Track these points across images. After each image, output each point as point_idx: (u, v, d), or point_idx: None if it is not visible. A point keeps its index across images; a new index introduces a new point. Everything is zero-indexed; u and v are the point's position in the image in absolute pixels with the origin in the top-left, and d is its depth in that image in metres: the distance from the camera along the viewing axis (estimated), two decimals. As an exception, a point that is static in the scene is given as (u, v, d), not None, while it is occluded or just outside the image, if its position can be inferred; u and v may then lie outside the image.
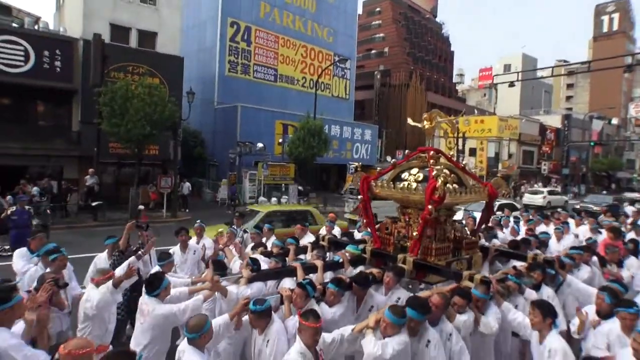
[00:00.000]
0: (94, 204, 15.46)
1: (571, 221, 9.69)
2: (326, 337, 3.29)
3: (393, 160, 5.27)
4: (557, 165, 47.31)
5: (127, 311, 5.14)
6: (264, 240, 6.74)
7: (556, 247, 7.42)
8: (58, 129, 17.97)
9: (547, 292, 4.59)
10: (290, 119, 26.88)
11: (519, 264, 5.16)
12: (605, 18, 71.76)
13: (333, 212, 14.20)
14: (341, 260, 5.10)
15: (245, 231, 7.46)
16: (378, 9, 53.51)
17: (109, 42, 17.75)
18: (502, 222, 8.91)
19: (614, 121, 61.17)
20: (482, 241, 6.22)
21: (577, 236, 8.36)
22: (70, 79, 17.46)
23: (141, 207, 15.94)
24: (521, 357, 4.59)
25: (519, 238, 6.92)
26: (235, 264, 5.29)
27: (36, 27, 18.56)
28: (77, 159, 17.84)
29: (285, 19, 31.18)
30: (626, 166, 56.49)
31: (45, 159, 17.23)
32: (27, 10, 25.14)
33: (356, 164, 5.66)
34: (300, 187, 22.87)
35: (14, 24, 18.19)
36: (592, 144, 46.85)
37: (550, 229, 8.58)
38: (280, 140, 25.54)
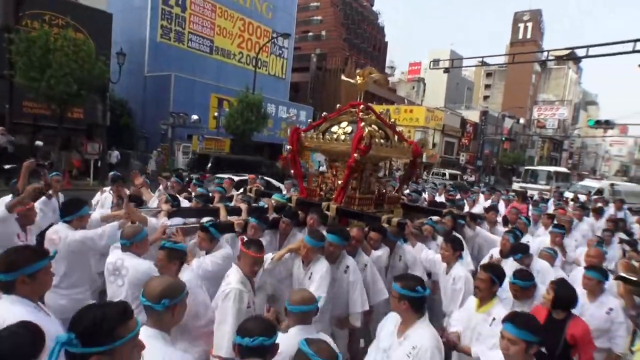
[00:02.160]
0: (6, 166, 13.77)
1: (482, 196, 11.27)
2: None
3: (324, 113, 5.41)
4: (472, 157, 51.20)
5: None
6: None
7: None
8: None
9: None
10: (226, 94, 25.97)
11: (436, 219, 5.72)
12: (522, 26, 78.27)
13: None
14: (266, 206, 5.20)
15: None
16: (317, -9, 53.38)
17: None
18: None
19: (522, 121, 67.73)
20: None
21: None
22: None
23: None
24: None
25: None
26: (153, 204, 5.40)
27: None
28: (-18, 116, 15.66)
29: (223, -12, 29.82)
30: (527, 162, 63.06)
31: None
32: None
33: (290, 146, 5.46)
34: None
35: None
36: (503, 138, 51.36)
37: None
38: (216, 114, 24.62)
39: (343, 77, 5.92)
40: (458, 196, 10.08)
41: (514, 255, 4.23)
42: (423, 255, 4.44)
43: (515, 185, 25.99)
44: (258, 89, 23.49)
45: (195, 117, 22.45)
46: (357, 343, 4.09)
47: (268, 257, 3.57)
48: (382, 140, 4.93)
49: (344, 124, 5.19)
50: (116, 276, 3.11)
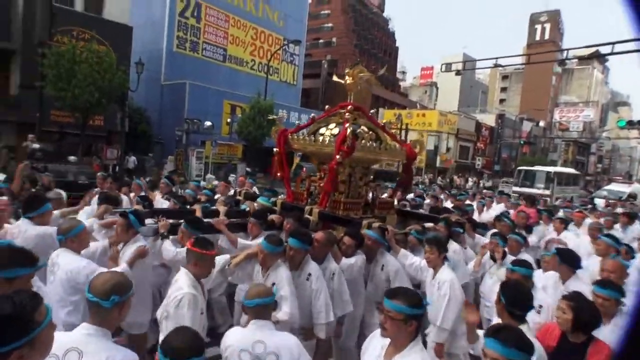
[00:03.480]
0: (45, 172, 14.83)
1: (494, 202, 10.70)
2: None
3: (312, 114, 5.61)
4: (489, 161, 50.62)
5: None
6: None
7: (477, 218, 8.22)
8: (-7, 91, 16.88)
9: (453, 247, 4.64)
10: (238, 100, 26.94)
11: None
12: (539, 27, 76.72)
13: (278, 196, 14.84)
14: (248, 209, 5.07)
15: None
16: (328, -1, 54.32)
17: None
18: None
19: (542, 124, 66.70)
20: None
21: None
22: (8, 38, 16.42)
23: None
24: None
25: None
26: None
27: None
28: (15, 124, 16.89)
29: (236, -1, 30.95)
30: (550, 166, 61.67)
31: (-22, 122, 16.17)
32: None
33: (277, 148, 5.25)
34: (248, 169, 23.22)
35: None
36: (521, 142, 50.78)
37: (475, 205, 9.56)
38: (229, 120, 25.59)
39: (334, 78, 5.74)
40: (467, 202, 9.55)
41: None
42: (408, 262, 4.06)
43: (506, 189, 21.67)
44: (269, 95, 24.43)
45: (208, 123, 23.37)
46: (324, 356, 3.85)
47: (222, 258, 3.41)
48: (372, 143, 4.67)
49: (332, 125, 5.00)
50: (50, 272, 3.04)
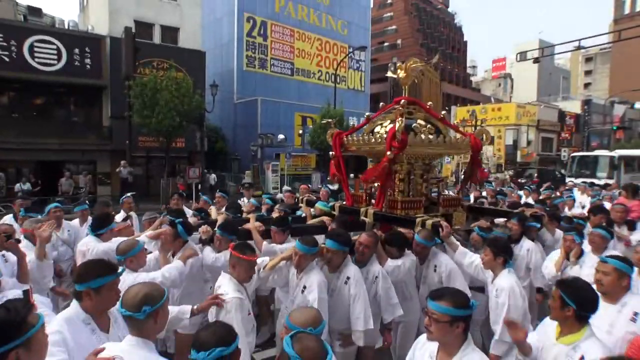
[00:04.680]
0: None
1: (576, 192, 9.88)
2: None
3: (367, 114, 5.23)
4: (577, 151, 46.58)
5: None
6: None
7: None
8: (90, 124, 18.68)
9: (527, 245, 4.36)
10: (309, 111, 27.13)
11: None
12: (627, -1, 69.87)
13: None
14: (304, 214, 4.99)
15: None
16: (389, 1, 53.48)
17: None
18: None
19: (637, 105, 59.70)
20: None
21: (583, 207, 8.45)
22: (100, 75, 18.05)
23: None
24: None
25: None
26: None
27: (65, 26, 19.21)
28: (109, 153, 18.41)
29: (300, 12, 31.43)
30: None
31: (80, 153, 17.85)
32: (51, 14, 25.79)
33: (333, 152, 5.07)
34: (328, 179, 23.15)
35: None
36: (614, 128, 46.00)
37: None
38: (300, 132, 25.83)
39: (389, 74, 5.48)
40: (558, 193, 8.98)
41: None
42: (466, 261, 3.73)
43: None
44: (339, 103, 24.24)
45: (281, 136, 23.77)
46: None
47: (263, 260, 3.41)
48: (430, 136, 4.28)
49: (387, 122, 4.68)
50: None
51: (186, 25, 21.22)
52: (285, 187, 20.97)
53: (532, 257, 4.33)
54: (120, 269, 2.38)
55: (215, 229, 3.94)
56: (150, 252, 3.78)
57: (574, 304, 2.21)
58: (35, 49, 16.72)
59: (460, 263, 3.76)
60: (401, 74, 4.66)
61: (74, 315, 2.13)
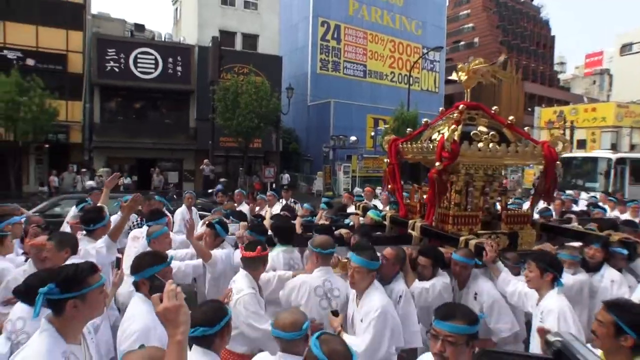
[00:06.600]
0: (210, 190, 17.24)
1: None
2: (262, 276, 3.16)
3: (425, 119, 4.91)
4: (690, 157, 40.89)
5: None
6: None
7: None
8: (179, 126, 20.53)
9: (610, 275, 3.59)
10: (381, 113, 27.16)
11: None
12: None
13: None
14: (352, 223, 4.71)
15: (295, 202, 8.28)
16: (467, -2, 51.52)
17: (219, 47, 19.74)
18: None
19: None
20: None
21: None
22: (189, 81, 19.81)
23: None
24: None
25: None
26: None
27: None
28: (194, 152, 20.07)
29: (373, 15, 31.54)
30: None
31: (170, 152, 19.70)
32: (151, 28, 28.59)
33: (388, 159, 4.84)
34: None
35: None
36: None
37: None
38: (372, 134, 25.94)
39: (453, 76, 5.23)
40: None
41: None
42: (510, 290, 3.20)
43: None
44: (412, 105, 24.02)
45: (353, 138, 24.06)
46: None
47: (288, 273, 3.35)
48: (493, 145, 3.84)
49: (444, 129, 4.24)
50: None
51: (265, 32, 22.44)
52: (357, 189, 21.35)
53: (615, 291, 3.51)
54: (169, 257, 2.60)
55: (247, 230, 4.07)
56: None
57: (634, 332, 1.86)
58: (139, 60, 19.24)
59: (504, 292, 3.25)
60: (462, 76, 4.30)
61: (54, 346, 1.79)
